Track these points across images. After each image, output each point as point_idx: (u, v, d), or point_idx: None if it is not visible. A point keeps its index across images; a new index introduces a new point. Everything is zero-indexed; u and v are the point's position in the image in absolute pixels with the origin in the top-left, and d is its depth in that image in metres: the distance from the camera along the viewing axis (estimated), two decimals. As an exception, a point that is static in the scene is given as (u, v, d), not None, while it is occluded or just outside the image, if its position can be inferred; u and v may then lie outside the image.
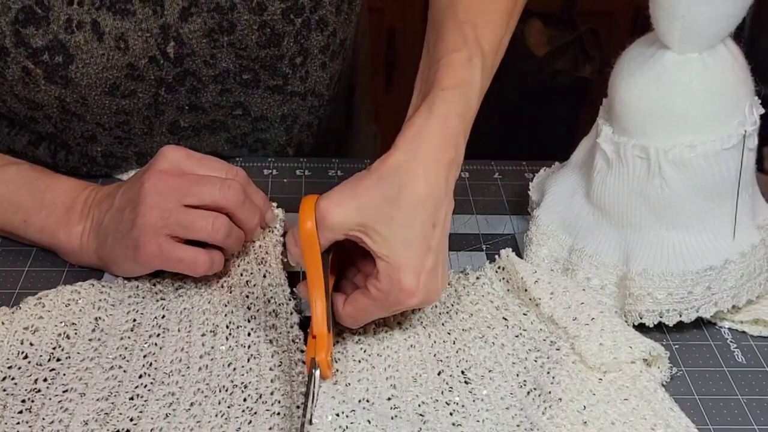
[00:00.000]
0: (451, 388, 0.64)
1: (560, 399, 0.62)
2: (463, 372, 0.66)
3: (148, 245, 0.68)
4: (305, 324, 0.66)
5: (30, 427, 0.59)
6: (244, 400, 0.62)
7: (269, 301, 0.70)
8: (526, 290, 0.71)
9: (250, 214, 0.71)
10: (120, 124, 0.83)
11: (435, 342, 0.68)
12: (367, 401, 0.63)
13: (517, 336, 0.69)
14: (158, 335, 0.68)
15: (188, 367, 0.65)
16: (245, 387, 0.63)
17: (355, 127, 1.09)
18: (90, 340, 0.67)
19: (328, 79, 0.89)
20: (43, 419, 0.60)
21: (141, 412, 0.61)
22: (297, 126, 0.91)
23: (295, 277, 0.73)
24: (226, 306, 0.70)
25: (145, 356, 0.66)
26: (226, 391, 0.63)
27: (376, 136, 1.17)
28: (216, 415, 0.61)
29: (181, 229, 0.69)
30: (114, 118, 0.82)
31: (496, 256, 0.75)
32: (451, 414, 0.62)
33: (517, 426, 0.61)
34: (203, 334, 0.68)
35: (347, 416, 0.58)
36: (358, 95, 1.09)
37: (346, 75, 0.98)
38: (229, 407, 0.61)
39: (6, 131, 0.88)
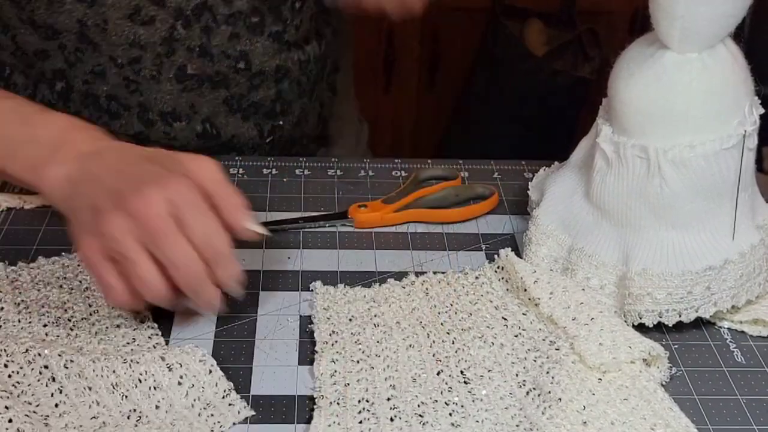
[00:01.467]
0: (450, 388, 0.64)
1: (560, 399, 0.62)
2: (462, 372, 0.66)
3: (86, 246, 0.65)
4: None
5: None
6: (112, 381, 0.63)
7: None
8: (525, 290, 0.71)
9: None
10: (132, 61, 0.85)
11: (434, 342, 0.68)
12: (367, 401, 0.63)
13: (516, 336, 0.69)
14: None
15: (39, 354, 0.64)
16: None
17: (337, 110, 1.10)
18: None
19: (314, 32, 0.94)
20: None
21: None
22: (287, 81, 0.93)
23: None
24: (65, 303, 0.71)
25: None
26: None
27: (361, 125, 1.19)
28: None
29: (125, 262, 0.64)
30: (128, 51, 0.84)
31: (496, 256, 0.75)
32: (450, 414, 0.62)
33: (517, 426, 0.61)
34: (45, 325, 0.69)
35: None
36: (342, 78, 1.10)
37: (331, 49, 1.00)
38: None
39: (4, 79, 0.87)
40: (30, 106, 0.75)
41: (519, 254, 0.76)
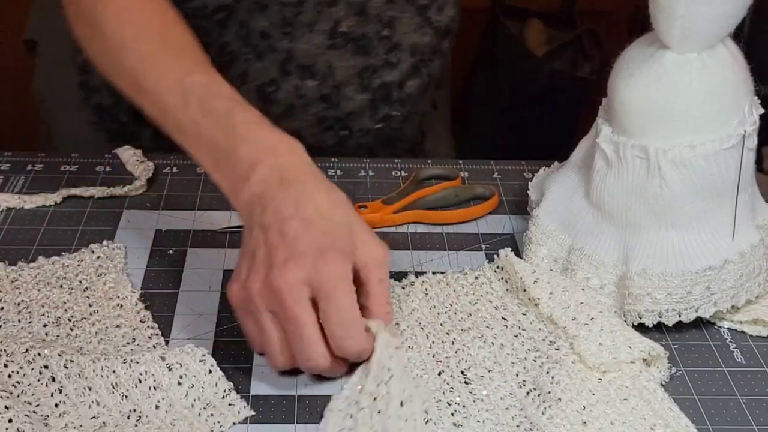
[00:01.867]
0: (452, 388, 0.64)
1: (560, 399, 0.62)
2: (462, 372, 0.66)
3: (233, 293, 0.65)
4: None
5: None
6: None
7: (112, 298, 0.71)
8: (525, 290, 0.71)
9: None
10: (298, 2, 0.87)
11: (434, 342, 0.68)
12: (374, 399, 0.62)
13: (516, 336, 0.69)
14: None
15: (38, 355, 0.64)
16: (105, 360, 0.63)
17: (434, 127, 1.10)
18: None
19: (454, 23, 0.96)
20: None
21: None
22: (421, 65, 0.96)
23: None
24: (65, 303, 0.71)
25: None
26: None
27: (450, 145, 1.16)
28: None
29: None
30: None
31: (495, 256, 0.75)
32: (452, 414, 0.62)
33: (517, 426, 0.61)
34: (45, 325, 0.69)
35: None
36: (442, 96, 1.11)
37: (440, 65, 1.01)
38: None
39: None
40: (241, 113, 0.69)
41: (519, 254, 0.76)
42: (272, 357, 0.64)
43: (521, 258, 0.75)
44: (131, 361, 0.63)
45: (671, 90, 0.67)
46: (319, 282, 0.61)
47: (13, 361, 0.63)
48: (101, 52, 0.76)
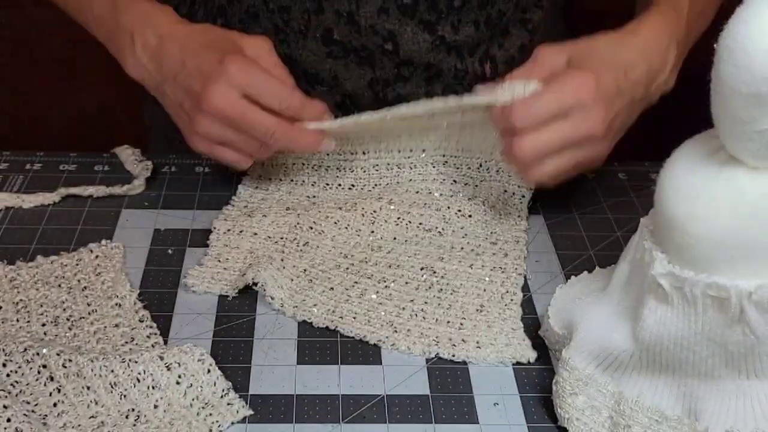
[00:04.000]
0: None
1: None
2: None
3: (195, 144, 0.79)
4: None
5: None
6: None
7: (110, 298, 0.71)
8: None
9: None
10: (281, 9, 0.89)
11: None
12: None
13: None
14: None
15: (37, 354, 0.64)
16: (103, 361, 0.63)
17: None
18: None
19: (485, 51, 0.93)
20: None
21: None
22: (440, 84, 0.93)
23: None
24: (64, 303, 0.71)
25: None
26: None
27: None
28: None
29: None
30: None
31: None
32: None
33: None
34: (43, 324, 0.69)
35: None
36: None
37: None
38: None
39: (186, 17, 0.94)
40: None
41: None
42: (250, 153, 0.78)
43: (554, 410, 0.64)
44: (130, 360, 0.63)
45: (752, 218, 0.54)
46: (236, 81, 0.74)
47: (11, 361, 0.63)
48: None
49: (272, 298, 0.72)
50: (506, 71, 0.92)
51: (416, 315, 0.71)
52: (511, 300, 0.73)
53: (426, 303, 0.72)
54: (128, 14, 0.81)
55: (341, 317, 0.71)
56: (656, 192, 0.59)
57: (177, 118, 0.80)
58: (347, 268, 0.75)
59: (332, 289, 0.73)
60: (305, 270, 0.75)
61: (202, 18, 0.95)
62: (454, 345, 0.69)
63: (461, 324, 0.70)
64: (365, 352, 0.69)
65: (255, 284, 0.72)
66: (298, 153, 0.84)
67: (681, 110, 0.94)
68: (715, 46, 0.53)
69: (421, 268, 0.75)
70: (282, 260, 0.75)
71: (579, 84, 0.73)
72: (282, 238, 0.78)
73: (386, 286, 0.74)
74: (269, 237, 0.78)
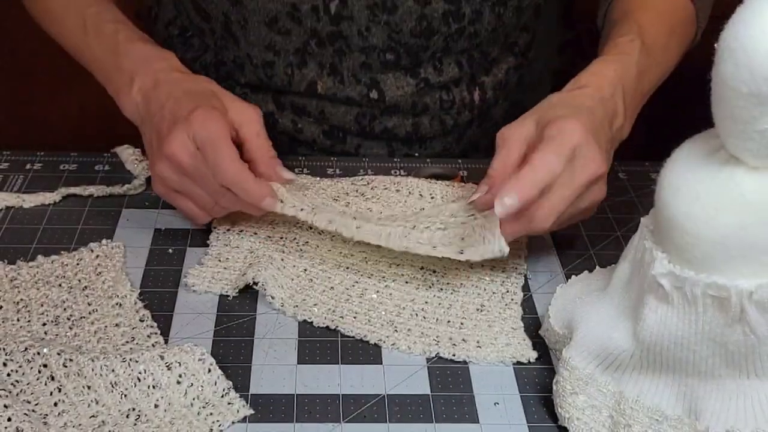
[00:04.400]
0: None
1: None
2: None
3: (155, 186, 0.78)
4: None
5: None
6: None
7: (111, 297, 0.72)
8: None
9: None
10: (266, 64, 0.91)
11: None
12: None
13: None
14: None
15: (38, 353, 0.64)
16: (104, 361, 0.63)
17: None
18: None
19: (469, 78, 0.93)
20: None
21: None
22: (427, 117, 0.94)
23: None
24: (64, 302, 0.71)
25: None
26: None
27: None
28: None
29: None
30: (263, 53, 0.90)
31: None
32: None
33: None
34: (44, 324, 0.69)
35: None
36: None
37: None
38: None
39: (179, 40, 0.99)
40: (124, 32, 0.85)
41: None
42: (204, 209, 0.76)
43: (554, 410, 0.64)
44: (130, 360, 0.63)
45: (752, 217, 0.54)
46: (194, 132, 0.73)
47: (12, 360, 0.63)
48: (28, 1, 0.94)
49: (273, 298, 0.72)
50: (495, 96, 0.93)
51: (416, 314, 0.71)
52: (512, 299, 0.73)
53: (426, 302, 0.72)
54: (129, 57, 0.82)
55: (342, 317, 0.71)
56: (656, 192, 0.58)
57: (148, 158, 0.81)
58: (348, 268, 0.75)
59: (332, 288, 0.73)
60: (305, 269, 0.75)
61: (197, 48, 0.96)
62: (454, 344, 0.69)
63: (461, 323, 0.71)
64: (365, 352, 0.69)
65: (255, 284, 0.72)
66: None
67: (681, 110, 0.94)
68: (715, 46, 0.53)
69: (421, 267, 0.76)
70: (282, 260, 0.75)
71: (569, 131, 0.70)
72: (282, 238, 0.78)
73: (386, 286, 0.74)
74: (269, 237, 0.78)
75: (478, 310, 0.72)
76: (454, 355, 0.68)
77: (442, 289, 0.74)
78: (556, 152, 0.69)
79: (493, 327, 0.70)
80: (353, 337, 0.70)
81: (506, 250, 0.68)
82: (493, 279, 0.75)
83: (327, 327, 0.71)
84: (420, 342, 0.69)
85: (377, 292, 0.73)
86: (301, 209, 0.74)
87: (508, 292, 0.74)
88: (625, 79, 0.78)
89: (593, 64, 0.79)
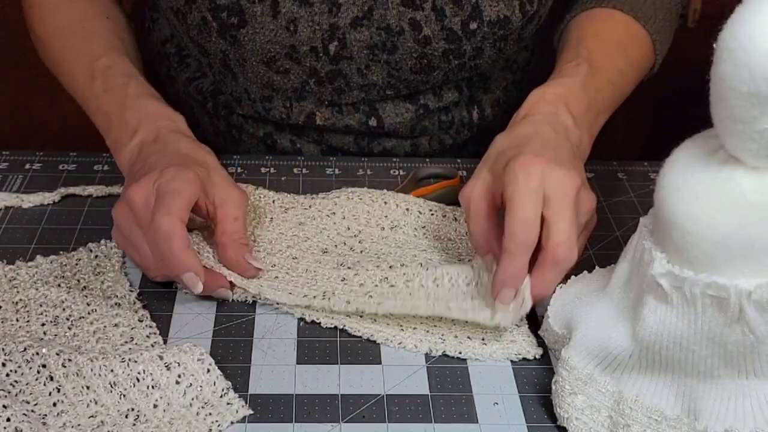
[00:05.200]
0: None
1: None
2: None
3: (114, 234, 0.74)
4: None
5: None
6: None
7: (110, 297, 0.72)
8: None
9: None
10: (264, 99, 0.91)
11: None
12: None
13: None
14: None
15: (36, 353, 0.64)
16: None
17: None
18: None
19: (468, 98, 0.94)
20: None
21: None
22: (426, 138, 0.95)
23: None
24: (63, 302, 0.71)
25: None
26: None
27: None
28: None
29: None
30: (261, 90, 0.90)
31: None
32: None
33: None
34: (43, 324, 0.69)
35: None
36: None
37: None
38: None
39: (176, 59, 1.00)
40: (134, 87, 0.83)
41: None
42: (148, 268, 0.72)
43: (553, 410, 0.63)
44: (129, 360, 0.63)
45: (752, 217, 0.54)
46: (159, 184, 0.70)
47: (11, 360, 0.63)
48: (35, 44, 0.93)
49: (278, 304, 0.72)
50: (493, 114, 0.93)
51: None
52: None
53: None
54: (136, 111, 0.80)
55: (348, 317, 0.71)
56: (656, 191, 0.58)
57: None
58: (349, 268, 0.75)
59: (344, 281, 0.73)
60: (307, 269, 0.75)
61: (194, 70, 0.97)
62: (460, 342, 0.69)
63: (466, 321, 0.70)
64: (365, 352, 0.69)
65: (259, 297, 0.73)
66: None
67: (681, 110, 0.94)
68: (714, 45, 0.53)
69: (420, 264, 0.75)
70: (275, 266, 0.75)
71: (525, 170, 0.67)
72: (282, 233, 0.79)
73: (391, 286, 0.74)
74: (270, 240, 0.78)
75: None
76: (460, 353, 0.68)
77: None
78: (524, 201, 0.66)
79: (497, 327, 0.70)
80: (360, 336, 0.70)
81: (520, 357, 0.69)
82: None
83: (333, 327, 0.71)
84: (426, 340, 0.69)
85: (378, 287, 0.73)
86: (314, 296, 0.72)
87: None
88: (567, 97, 0.77)
89: (532, 94, 0.78)
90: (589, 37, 0.85)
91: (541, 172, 0.67)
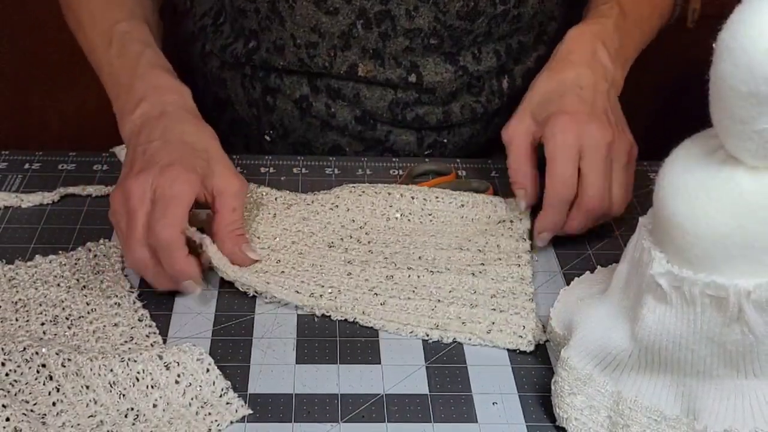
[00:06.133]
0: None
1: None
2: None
3: (110, 212, 0.74)
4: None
5: None
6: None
7: (109, 297, 0.72)
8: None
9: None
10: (309, 45, 0.90)
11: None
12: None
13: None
14: None
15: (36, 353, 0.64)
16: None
17: None
18: None
19: (501, 69, 0.96)
20: None
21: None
22: (458, 104, 0.95)
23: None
24: (63, 302, 0.71)
25: None
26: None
27: None
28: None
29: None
30: (308, 34, 0.90)
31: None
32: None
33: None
34: (42, 323, 0.69)
35: None
36: None
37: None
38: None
39: (211, 29, 1.00)
40: (148, 56, 0.84)
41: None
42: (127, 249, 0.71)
43: (553, 410, 0.63)
44: (129, 359, 0.63)
45: (751, 217, 0.54)
46: (157, 185, 0.70)
47: (10, 360, 0.63)
48: (62, 7, 0.94)
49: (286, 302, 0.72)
50: (523, 84, 0.94)
51: (430, 299, 0.72)
52: (523, 291, 0.74)
53: (439, 287, 0.74)
54: (144, 81, 0.81)
55: (363, 312, 0.71)
56: (655, 191, 0.58)
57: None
58: (350, 262, 0.75)
59: (350, 276, 0.74)
60: (313, 264, 0.75)
61: (236, 35, 0.96)
62: (471, 332, 0.70)
63: (473, 311, 0.71)
64: (364, 352, 0.69)
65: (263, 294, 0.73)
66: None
67: (681, 110, 0.94)
68: (714, 45, 0.53)
69: (427, 270, 0.75)
70: (280, 261, 0.75)
71: (561, 131, 0.76)
72: (286, 229, 0.79)
73: (396, 283, 0.74)
74: (275, 236, 0.78)
75: (493, 296, 0.73)
76: (470, 340, 0.69)
77: (450, 275, 0.75)
78: (562, 160, 0.75)
79: (504, 312, 0.71)
80: (371, 327, 0.70)
81: (531, 347, 0.69)
82: (509, 265, 0.76)
83: (345, 320, 0.71)
84: (437, 329, 0.70)
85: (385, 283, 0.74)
86: (321, 294, 0.72)
87: (523, 279, 0.75)
88: (604, 36, 0.84)
89: (571, 31, 0.85)
90: None
91: (577, 129, 0.76)
